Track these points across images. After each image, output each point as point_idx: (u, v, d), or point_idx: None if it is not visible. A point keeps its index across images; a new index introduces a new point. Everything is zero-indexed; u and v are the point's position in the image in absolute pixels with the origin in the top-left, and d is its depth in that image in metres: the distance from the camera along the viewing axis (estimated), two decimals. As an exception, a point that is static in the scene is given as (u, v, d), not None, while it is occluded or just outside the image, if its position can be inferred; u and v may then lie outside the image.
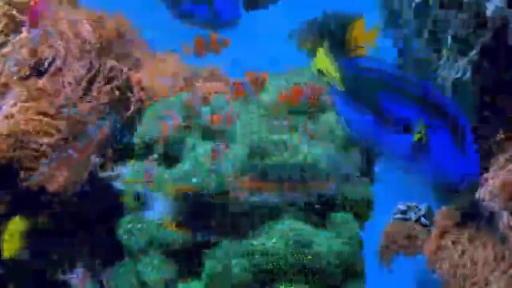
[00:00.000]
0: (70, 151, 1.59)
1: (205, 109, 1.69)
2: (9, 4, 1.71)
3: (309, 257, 1.46)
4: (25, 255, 1.67)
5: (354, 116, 1.14)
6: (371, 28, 1.53)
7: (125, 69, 1.74)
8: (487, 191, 1.56)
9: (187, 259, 1.58)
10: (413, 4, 1.81)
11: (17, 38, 1.69)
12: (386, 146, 1.11)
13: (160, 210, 1.55)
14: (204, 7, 1.84)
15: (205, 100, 1.71)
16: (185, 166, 1.59)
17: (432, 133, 1.07)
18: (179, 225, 1.55)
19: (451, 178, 1.08)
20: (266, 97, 1.67)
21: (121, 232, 1.60)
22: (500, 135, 1.68)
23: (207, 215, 1.54)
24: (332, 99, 1.20)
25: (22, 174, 1.60)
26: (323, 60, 1.16)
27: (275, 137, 1.59)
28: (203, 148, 1.58)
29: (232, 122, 1.63)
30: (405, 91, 1.08)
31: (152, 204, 1.57)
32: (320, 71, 1.17)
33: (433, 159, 1.06)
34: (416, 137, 1.06)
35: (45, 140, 1.57)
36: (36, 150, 1.57)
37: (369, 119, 1.11)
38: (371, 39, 1.51)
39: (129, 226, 1.59)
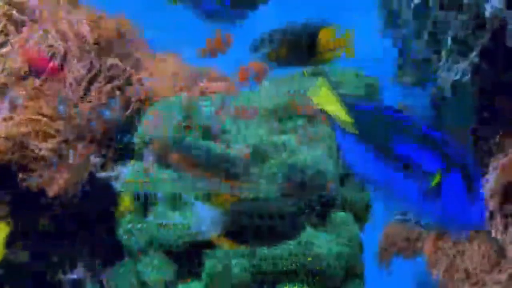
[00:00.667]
0: (70, 153, 1.60)
1: (206, 109, 1.69)
2: (9, 4, 1.71)
3: (310, 258, 1.46)
4: (24, 257, 1.67)
5: (360, 156, 1.12)
6: (344, 33, 1.54)
7: (127, 68, 1.74)
8: (487, 190, 1.57)
9: (187, 259, 1.58)
10: (412, 5, 1.81)
11: (17, 38, 1.69)
12: (395, 189, 1.09)
13: (207, 225, 1.54)
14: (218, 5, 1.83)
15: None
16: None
17: (443, 178, 1.06)
18: (226, 237, 1.53)
19: (457, 225, 1.07)
20: (265, 100, 1.67)
21: (121, 232, 1.60)
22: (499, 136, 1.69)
23: (253, 224, 1.53)
24: (336, 138, 1.18)
25: (20, 175, 1.60)
26: (327, 99, 1.14)
27: (275, 138, 1.59)
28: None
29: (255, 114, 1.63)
30: (418, 136, 1.07)
31: (198, 217, 1.55)
32: (324, 111, 1.15)
33: (443, 205, 1.05)
34: (433, 182, 1.05)
35: (45, 145, 1.57)
36: (36, 153, 1.57)
37: (378, 160, 1.09)
38: (343, 44, 1.52)
39: (129, 226, 1.59)
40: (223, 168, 1.48)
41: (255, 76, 1.68)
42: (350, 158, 1.13)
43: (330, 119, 1.14)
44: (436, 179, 1.04)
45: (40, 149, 1.57)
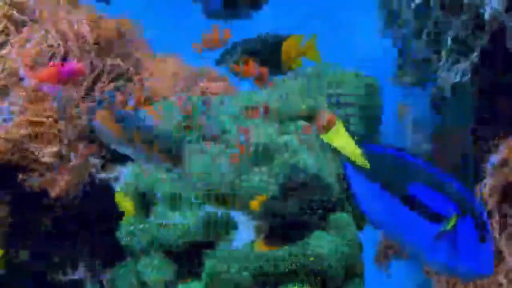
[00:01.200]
0: (72, 155, 1.60)
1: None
2: (9, 5, 1.70)
3: (312, 258, 1.46)
4: (24, 257, 1.67)
5: (372, 198, 1.12)
6: (307, 42, 1.56)
7: (130, 69, 1.74)
8: (486, 189, 1.57)
9: (187, 259, 1.58)
10: (413, 5, 1.81)
11: (17, 38, 1.69)
12: (406, 231, 1.09)
13: (247, 235, 1.53)
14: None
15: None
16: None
17: (457, 226, 1.06)
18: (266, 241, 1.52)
19: (466, 272, 1.07)
20: (267, 101, 1.67)
21: (123, 234, 1.60)
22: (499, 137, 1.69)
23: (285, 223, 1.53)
24: (347, 178, 1.17)
25: (20, 176, 1.60)
26: (342, 138, 1.13)
27: (280, 139, 1.60)
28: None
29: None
30: (435, 182, 1.07)
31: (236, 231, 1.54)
32: (337, 150, 1.15)
33: (454, 249, 1.05)
34: (448, 226, 1.05)
35: (48, 150, 1.57)
36: (35, 155, 1.58)
37: (391, 202, 1.09)
38: (308, 53, 1.53)
39: (131, 228, 1.59)
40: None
41: (258, 78, 1.67)
42: (362, 200, 1.13)
43: (343, 159, 1.14)
44: (451, 223, 1.03)
45: (43, 155, 1.57)
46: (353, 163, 1.12)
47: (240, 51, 1.52)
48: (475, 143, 1.76)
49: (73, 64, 1.60)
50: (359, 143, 1.13)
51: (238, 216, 1.54)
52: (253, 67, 1.66)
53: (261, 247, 1.50)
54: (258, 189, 1.54)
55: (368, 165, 1.11)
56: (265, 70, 1.64)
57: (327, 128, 1.60)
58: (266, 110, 1.61)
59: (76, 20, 1.73)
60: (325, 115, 1.63)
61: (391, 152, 1.11)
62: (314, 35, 1.53)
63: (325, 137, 1.16)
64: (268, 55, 1.53)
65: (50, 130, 1.59)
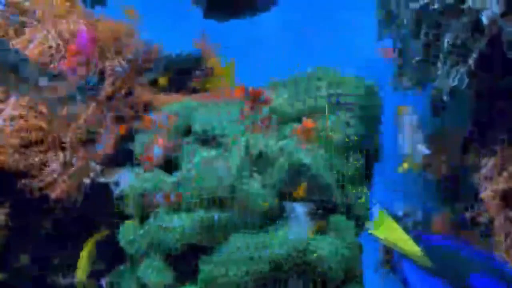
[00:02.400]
0: (73, 158, 1.60)
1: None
2: (8, 6, 1.71)
3: (312, 259, 1.47)
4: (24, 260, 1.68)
5: None
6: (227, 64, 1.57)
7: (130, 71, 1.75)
8: (488, 192, 1.58)
9: (186, 262, 1.58)
10: (414, 7, 1.81)
11: (19, 40, 1.70)
12: None
13: (301, 227, 1.54)
14: None
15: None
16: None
17: None
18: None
19: None
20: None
21: (123, 241, 1.60)
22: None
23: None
24: (399, 270, 1.16)
25: (22, 180, 1.60)
26: (391, 230, 1.12)
27: (280, 143, 1.60)
28: (201, 155, 1.60)
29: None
30: (490, 269, 1.07)
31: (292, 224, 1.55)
32: (388, 242, 1.13)
33: None
34: None
35: (49, 154, 1.58)
36: (34, 159, 1.58)
37: None
38: (225, 73, 1.54)
39: (131, 237, 1.59)
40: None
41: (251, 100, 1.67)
42: None
43: (395, 250, 1.12)
44: None
45: (44, 160, 1.58)
46: (408, 256, 1.12)
47: (162, 67, 1.53)
48: (471, 146, 1.77)
49: (82, 34, 1.59)
50: (411, 232, 1.12)
51: (290, 209, 1.55)
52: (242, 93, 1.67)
53: (320, 228, 1.51)
54: (257, 195, 1.55)
55: (422, 254, 1.10)
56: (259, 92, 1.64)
57: (306, 133, 1.61)
58: (268, 122, 1.62)
59: (73, 20, 1.73)
60: (303, 120, 1.63)
61: (445, 242, 1.11)
62: (233, 58, 1.54)
63: (375, 232, 1.15)
64: (189, 73, 1.55)
65: (50, 134, 1.60)
